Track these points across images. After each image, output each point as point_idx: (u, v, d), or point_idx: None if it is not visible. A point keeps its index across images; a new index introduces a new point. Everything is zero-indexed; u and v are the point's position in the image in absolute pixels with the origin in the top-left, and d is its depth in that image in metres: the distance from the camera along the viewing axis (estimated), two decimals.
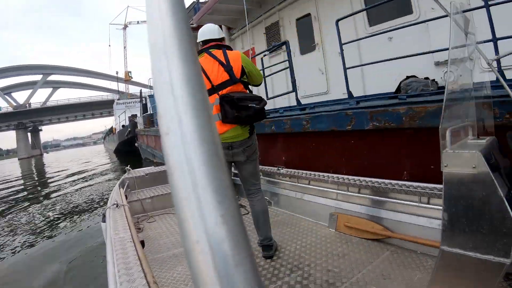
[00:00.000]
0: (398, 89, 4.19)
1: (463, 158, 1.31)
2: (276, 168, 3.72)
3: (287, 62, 4.50)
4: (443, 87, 3.86)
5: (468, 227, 1.29)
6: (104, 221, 2.70)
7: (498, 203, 1.22)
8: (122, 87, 49.78)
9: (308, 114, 3.72)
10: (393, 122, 2.85)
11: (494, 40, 2.45)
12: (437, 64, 4.07)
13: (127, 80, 48.99)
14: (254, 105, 2.23)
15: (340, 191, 2.98)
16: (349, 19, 4.05)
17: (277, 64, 5.18)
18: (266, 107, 2.45)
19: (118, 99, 35.30)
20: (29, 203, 9.82)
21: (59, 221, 6.95)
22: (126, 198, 3.49)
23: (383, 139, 3.03)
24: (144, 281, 1.34)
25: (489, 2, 2.49)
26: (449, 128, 1.40)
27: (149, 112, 17.20)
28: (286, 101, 6.15)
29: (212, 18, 7.68)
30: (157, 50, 0.28)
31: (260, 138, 4.37)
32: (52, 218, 7.30)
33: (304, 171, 3.39)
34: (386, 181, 2.57)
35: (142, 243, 2.13)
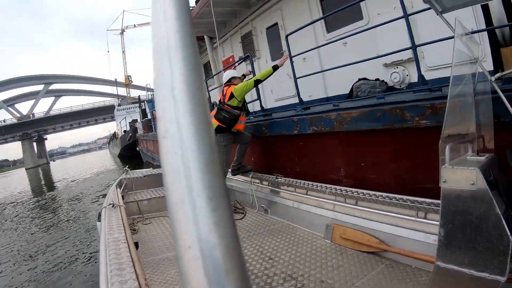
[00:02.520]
0: (351, 91, 4.48)
1: (462, 174, 1.31)
2: (274, 176, 3.73)
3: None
4: (392, 87, 4.28)
5: (464, 244, 1.29)
6: (99, 220, 2.68)
7: (495, 220, 1.22)
8: (123, 91, 50.34)
9: (266, 120, 4.22)
10: (327, 127, 3.29)
11: (414, 47, 2.91)
12: (385, 65, 4.43)
13: (128, 84, 49.23)
14: (224, 115, 3.72)
15: (337, 202, 2.97)
16: (309, 27, 4.55)
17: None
18: None
19: (118, 105, 36.18)
20: None
21: None
22: (123, 198, 3.48)
23: (322, 141, 3.49)
24: (136, 283, 1.33)
25: (409, 12, 2.96)
26: (449, 144, 1.40)
27: (148, 118, 17.56)
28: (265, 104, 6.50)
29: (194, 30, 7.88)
30: (160, 52, 0.28)
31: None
32: None
33: (302, 181, 3.39)
34: (384, 194, 2.57)
35: (136, 244, 2.12)
